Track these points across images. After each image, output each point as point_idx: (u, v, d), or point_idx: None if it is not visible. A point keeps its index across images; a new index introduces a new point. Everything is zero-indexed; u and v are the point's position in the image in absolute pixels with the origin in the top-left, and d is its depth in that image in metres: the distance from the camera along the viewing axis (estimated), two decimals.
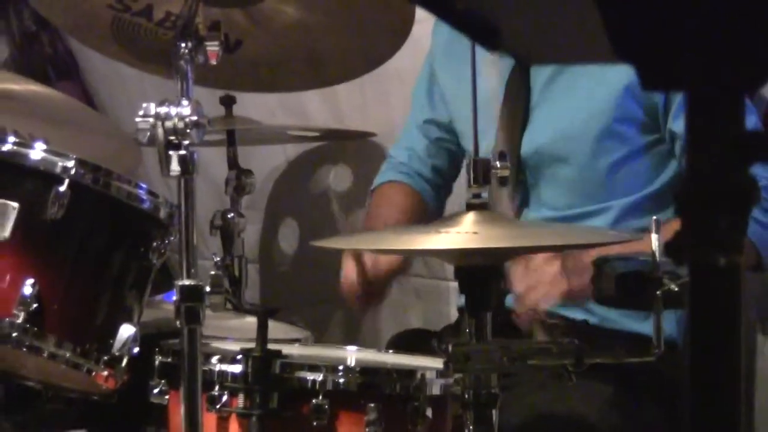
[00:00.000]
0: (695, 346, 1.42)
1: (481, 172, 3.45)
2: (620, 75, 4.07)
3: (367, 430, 3.59)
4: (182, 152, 3.55)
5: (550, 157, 4.22)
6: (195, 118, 3.54)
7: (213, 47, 3.71)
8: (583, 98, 4.17)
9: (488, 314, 3.36)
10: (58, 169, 3.75)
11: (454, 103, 4.76)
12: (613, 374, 3.71)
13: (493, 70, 4.18)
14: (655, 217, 3.60)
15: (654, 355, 3.30)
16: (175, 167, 3.57)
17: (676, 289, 3.43)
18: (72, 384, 3.90)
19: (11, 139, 3.80)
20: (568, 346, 3.50)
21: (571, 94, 4.19)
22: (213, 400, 3.65)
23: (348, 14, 3.82)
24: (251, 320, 3.73)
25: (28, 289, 3.70)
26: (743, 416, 1.49)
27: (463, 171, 4.22)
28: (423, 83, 4.94)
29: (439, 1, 1.78)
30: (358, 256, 4.58)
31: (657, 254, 3.46)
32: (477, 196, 3.39)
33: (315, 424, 3.61)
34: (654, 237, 3.39)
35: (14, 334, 3.70)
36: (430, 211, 4.67)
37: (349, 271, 4.37)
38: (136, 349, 3.83)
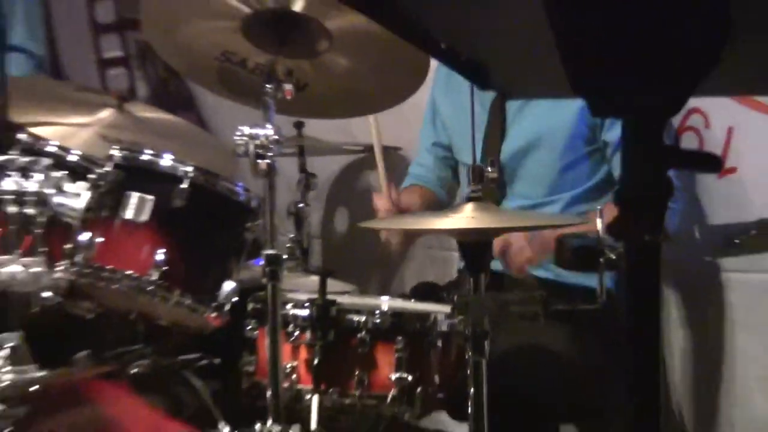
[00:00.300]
0: (629, 295, 1.50)
1: (478, 175, 3.55)
2: (571, 104, 4.18)
3: (396, 356, 3.65)
4: (267, 161, 3.63)
5: (521, 161, 4.30)
6: (275, 137, 3.63)
7: (288, 88, 3.80)
8: (545, 119, 4.27)
9: (482, 274, 3.44)
10: (180, 173, 3.84)
11: (451, 126, 4.86)
12: (570, 316, 3.78)
13: (477, 100, 4.31)
14: (599, 207, 3.70)
15: (599, 302, 3.37)
16: (261, 171, 3.65)
17: (614, 257, 3.51)
18: (191, 322, 3.98)
19: (147, 151, 3.87)
20: (538, 297, 3.59)
21: (536, 116, 4.29)
22: (288, 335, 3.74)
23: (383, 63, 3.91)
24: (315, 279, 3.80)
25: (160, 256, 3.75)
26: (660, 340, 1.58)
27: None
28: (428, 113, 4.97)
29: (448, 54, 1.85)
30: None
31: (601, 233, 3.54)
32: (475, 191, 3.47)
33: (359, 351, 3.70)
34: (598, 221, 3.46)
35: (150, 288, 3.77)
36: (441, 204, 4.74)
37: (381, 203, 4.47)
38: (235, 299, 3.91)
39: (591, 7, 1.40)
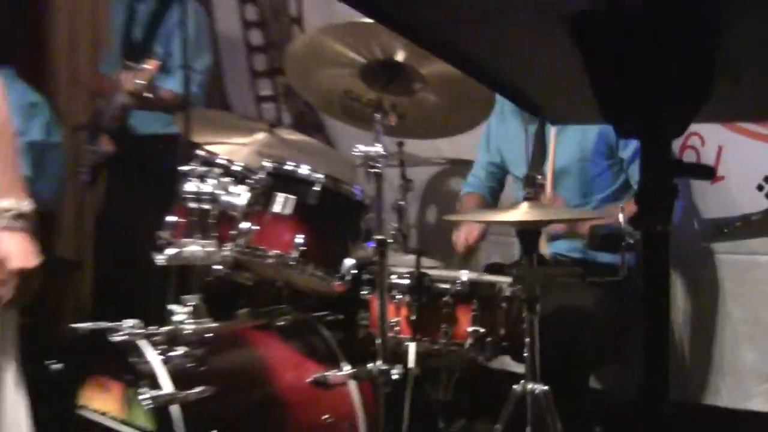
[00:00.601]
0: (646, 270, 1.46)
1: (531, 182, 3.56)
2: (593, 129, 4.16)
3: (472, 314, 3.66)
4: (376, 170, 3.63)
5: (561, 173, 4.26)
6: (383, 152, 3.63)
7: (392, 117, 3.81)
8: (577, 141, 4.22)
9: (534, 255, 3.43)
10: (314, 179, 3.84)
11: (504, 148, 4.68)
12: (599, 286, 3.75)
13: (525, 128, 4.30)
14: (621, 205, 3.70)
15: (620, 275, 3.35)
16: (372, 178, 3.65)
17: (633, 242, 3.49)
18: (321, 288, 3.98)
19: (290, 163, 3.87)
20: (577, 270, 3.62)
21: (570, 139, 4.23)
22: (393, 297, 3.75)
23: (462, 98, 3.88)
24: (412, 257, 3.79)
25: (299, 240, 3.75)
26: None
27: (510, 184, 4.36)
28: (484, 139, 4.78)
29: (507, 89, 1.83)
30: (464, 228, 4.52)
31: (623, 224, 3.51)
32: (529, 193, 3.47)
33: (444, 310, 3.71)
34: (620, 216, 3.44)
35: (291, 263, 3.77)
36: (488, 205, 4.73)
37: (458, 235, 4.43)
38: (353, 271, 3.89)
39: (615, 59, 1.37)
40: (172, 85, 4.94)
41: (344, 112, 4.18)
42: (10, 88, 5.63)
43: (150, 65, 4.75)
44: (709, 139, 3.95)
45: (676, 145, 4.12)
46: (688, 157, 4.17)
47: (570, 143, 4.27)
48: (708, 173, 1.63)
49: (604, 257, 3.99)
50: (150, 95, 4.94)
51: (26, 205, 2.93)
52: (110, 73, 5.48)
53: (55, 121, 5.77)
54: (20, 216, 2.89)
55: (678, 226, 3.95)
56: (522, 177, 3.76)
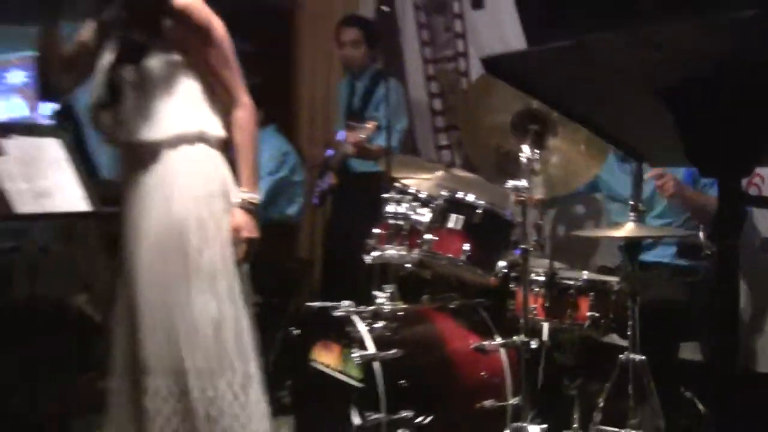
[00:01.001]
0: (721, 274, 1.39)
1: (635, 209, 3.41)
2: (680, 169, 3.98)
3: (589, 302, 3.57)
4: (521, 198, 3.56)
5: (654, 200, 4.09)
6: (527, 185, 3.55)
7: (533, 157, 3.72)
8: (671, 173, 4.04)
9: (635, 262, 3.33)
10: (477, 204, 3.80)
11: (609, 182, 4.38)
12: (684, 283, 3.65)
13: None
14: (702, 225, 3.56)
15: (699, 276, 3.26)
16: (518, 203, 3.59)
17: (709, 252, 3.36)
18: (480, 282, 3.90)
19: (460, 193, 3.83)
20: (664, 273, 3.56)
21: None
22: (532, 289, 3.65)
23: (577, 149, 3.77)
24: (547, 261, 3.70)
25: (465, 247, 3.69)
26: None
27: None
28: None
29: (618, 141, 1.77)
30: None
31: (702, 239, 3.38)
32: (634, 217, 3.36)
33: (569, 300, 3.60)
34: (701, 233, 3.31)
35: (460, 264, 3.78)
36: None
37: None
38: (504, 270, 3.83)
39: (701, 124, 1.31)
40: (380, 141, 4.95)
41: (498, 165, 4.12)
42: (272, 139, 5.76)
43: (370, 125, 4.78)
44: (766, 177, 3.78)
45: (744, 182, 3.96)
46: (753, 191, 3.99)
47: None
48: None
49: (689, 263, 3.85)
50: (366, 147, 4.97)
51: (256, 197, 3.02)
52: (338, 130, 5.52)
53: (299, 163, 5.84)
54: (251, 203, 2.95)
55: (743, 240, 3.81)
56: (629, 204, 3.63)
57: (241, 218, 2.94)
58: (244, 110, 2.95)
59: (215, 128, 2.89)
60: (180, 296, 2.76)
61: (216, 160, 2.90)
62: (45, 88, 3.16)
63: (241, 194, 2.96)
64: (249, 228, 2.95)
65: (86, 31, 2.95)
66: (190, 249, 2.78)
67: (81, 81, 3.00)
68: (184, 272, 2.77)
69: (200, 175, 2.83)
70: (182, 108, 2.83)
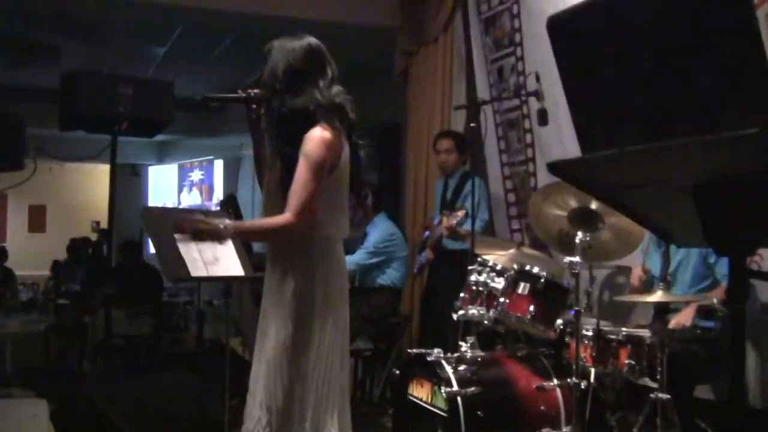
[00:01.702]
0: (732, 330, 1.38)
1: (663, 279, 3.35)
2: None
3: (628, 352, 3.53)
4: (575, 271, 3.53)
5: (678, 273, 3.99)
6: (580, 261, 3.53)
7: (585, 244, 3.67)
8: (686, 254, 3.94)
9: (667, 317, 3.26)
10: (541, 275, 3.78)
11: (649, 260, 4.24)
12: (703, 338, 3.57)
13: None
14: (715, 294, 3.48)
15: (715, 333, 3.16)
16: (573, 275, 3.55)
17: (722, 314, 3.29)
18: (543, 335, 3.85)
19: (528, 266, 3.82)
20: (688, 330, 3.42)
21: (685, 253, 3.98)
22: (583, 341, 3.62)
23: (628, 230, 3.73)
24: (595, 320, 3.64)
25: (531, 308, 3.70)
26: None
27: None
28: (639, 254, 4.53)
29: (652, 226, 1.76)
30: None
31: (715, 303, 3.31)
32: (662, 286, 3.29)
33: (612, 351, 3.57)
34: (714, 299, 3.23)
35: (527, 321, 3.74)
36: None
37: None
38: (561, 326, 3.78)
39: (718, 218, 1.31)
40: (467, 227, 4.97)
41: (558, 242, 4.10)
42: (383, 223, 5.81)
43: (460, 213, 4.79)
44: (765, 256, 3.66)
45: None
46: (754, 266, 3.87)
47: (686, 253, 3.97)
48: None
49: (705, 324, 3.75)
50: (456, 230, 4.98)
51: (229, 231, 2.73)
52: (434, 218, 5.56)
53: (404, 242, 5.89)
54: (223, 231, 2.71)
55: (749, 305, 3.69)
56: (659, 276, 3.54)
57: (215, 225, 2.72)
58: (288, 220, 2.65)
59: (333, 231, 2.80)
60: (291, 352, 2.74)
61: (331, 250, 2.78)
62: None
63: (227, 222, 2.73)
64: (210, 230, 2.71)
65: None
66: (304, 316, 2.71)
67: None
68: (295, 334, 2.75)
69: (316, 262, 2.75)
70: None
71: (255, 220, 2.89)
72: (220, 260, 3.43)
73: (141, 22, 7.32)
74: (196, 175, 13.53)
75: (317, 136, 2.67)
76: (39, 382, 5.75)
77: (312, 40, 2.81)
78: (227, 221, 2.73)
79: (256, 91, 2.81)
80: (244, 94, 2.82)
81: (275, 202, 2.76)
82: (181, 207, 12.54)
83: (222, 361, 3.85)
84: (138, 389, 4.12)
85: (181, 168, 13.74)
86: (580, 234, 3.70)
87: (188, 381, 4.16)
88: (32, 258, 13.07)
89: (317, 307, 2.72)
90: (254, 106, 2.84)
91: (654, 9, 1.29)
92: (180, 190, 13.69)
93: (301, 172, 2.64)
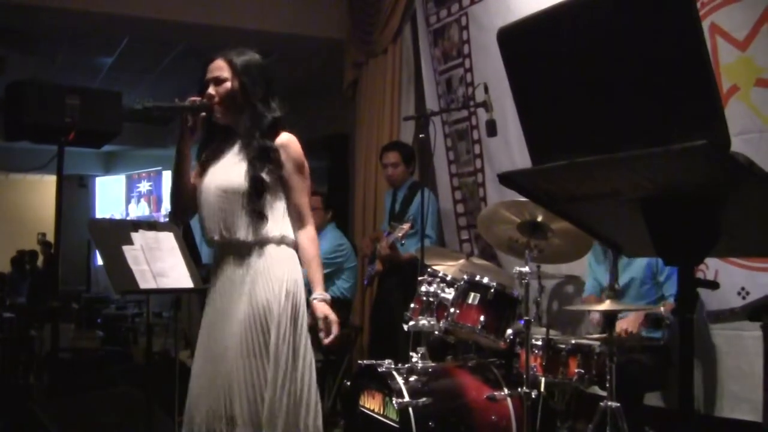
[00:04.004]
0: (682, 338, 1.39)
1: (611, 290, 3.36)
2: (643, 260, 3.91)
3: (577, 361, 3.54)
4: (525, 281, 3.55)
5: (626, 286, 4.00)
6: (528, 270, 3.54)
7: (535, 252, 3.70)
8: (634, 267, 3.98)
9: (612, 329, 3.28)
10: (490, 285, 3.79)
11: (595, 270, 4.12)
12: (650, 347, 3.61)
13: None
14: (662, 306, 3.52)
15: (663, 341, 3.20)
16: (521, 283, 3.55)
17: (669, 323, 3.34)
18: (493, 345, 3.85)
19: (477, 277, 3.83)
20: (636, 338, 3.48)
21: (631, 264, 4.00)
22: (533, 351, 3.65)
23: (576, 238, 3.77)
24: (544, 329, 3.66)
25: (482, 318, 3.70)
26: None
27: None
28: (588, 264, 4.51)
29: (601, 236, 1.77)
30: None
31: (664, 313, 3.35)
32: (609, 295, 3.30)
33: (562, 360, 3.58)
34: (662, 308, 3.28)
35: (478, 331, 3.74)
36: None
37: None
38: (511, 336, 3.78)
39: (666, 227, 1.34)
40: (411, 249, 5.01)
41: (509, 248, 4.11)
42: (332, 233, 5.79)
43: (406, 226, 4.78)
44: (710, 265, 3.72)
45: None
46: (700, 275, 3.93)
47: (631, 267, 4.00)
48: (714, 285, 1.54)
49: (652, 334, 3.78)
50: (397, 254, 5.03)
51: (328, 297, 2.92)
52: (383, 229, 5.56)
53: (353, 253, 5.86)
54: (326, 300, 2.88)
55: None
56: (606, 286, 3.57)
57: (328, 309, 2.86)
58: (312, 229, 2.89)
59: (291, 234, 2.86)
60: (260, 365, 2.70)
61: (293, 259, 2.81)
62: (175, 212, 3.17)
63: (320, 294, 2.87)
64: (334, 317, 2.87)
65: (193, 176, 2.93)
66: (271, 327, 2.73)
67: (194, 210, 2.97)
68: (266, 345, 2.72)
69: (280, 269, 2.79)
70: (276, 213, 2.79)
71: (314, 267, 2.89)
72: (169, 272, 3.37)
73: (88, 32, 7.22)
74: (144, 186, 13.35)
75: (294, 140, 2.82)
76: None
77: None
78: (326, 295, 2.89)
79: (199, 99, 2.78)
80: (187, 103, 2.77)
81: (235, 207, 2.74)
82: (128, 218, 12.37)
83: (171, 373, 3.78)
84: (85, 404, 4.03)
85: (128, 179, 13.54)
86: (530, 242, 3.75)
87: (137, 395, 4.08)
88: None
89: (303, 308, 2.79)
90: (202, 114, 2.79)
91: (601, 22, 1.29)
92: (128, 202, 13.49)
93: (300, 180, 2.82)
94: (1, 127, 4.12)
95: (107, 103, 4.21)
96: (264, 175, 2.75)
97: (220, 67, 2.79)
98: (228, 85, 2.78)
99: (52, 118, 3.92)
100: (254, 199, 2.73)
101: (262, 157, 2.76)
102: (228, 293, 2.76)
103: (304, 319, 2.79)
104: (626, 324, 3.70)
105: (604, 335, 3.37)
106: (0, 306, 9.99)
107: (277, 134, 2.80)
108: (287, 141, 2.81)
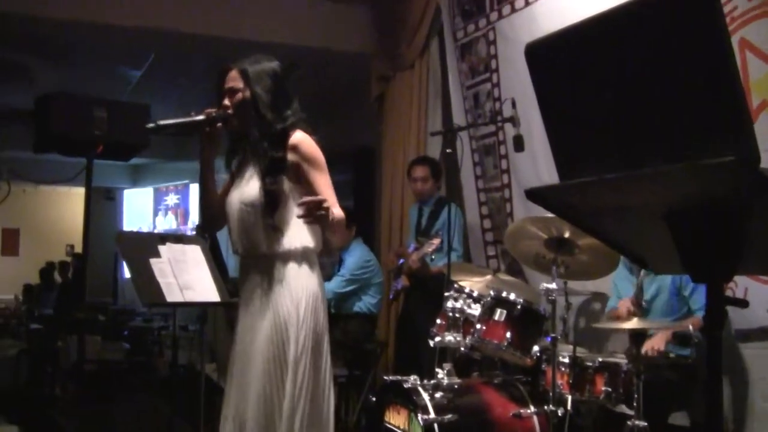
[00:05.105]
0: (710, 355, 1.38)
1: (637, 306, 3.34)
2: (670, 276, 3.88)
3: (604, 379, 3.54)
4: (552, 298, 3.52)
5: (651, 301, 3.98)
6: (555, 287, 3.52)
7: (561, 268, 3.68)
8: (659, 282, 3.93)
9: (639, 346, 3.26)
10: (517, 301, 3.79)
11: (619, 285, 4.13)
12: (678, 364, 3.58)
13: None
14: (690, 322, 3.48)
15: (691, 359, 3.15)
16: (549, 300, 3.54)
17: (697, 341, 3.32)
18: (519, 362, 3.83)
19: (504, 293, 3.82)
20: (664, 356, 3.43)
21: (657, 280, 3.98)
22: (559, 369, 3.63)
23: (602, 254, 3.74)
24: (571, 346, 3.64)
25: (508, 335, 3.70)
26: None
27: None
28: (613, 280, 4.26)
29: (627, 252, 1.76)
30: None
31: (691, 331, 3.32)
32: (635, 312, 3.29)
33: (588, 378, 3.56)
34: (690, 326, 3.24)
35: (503, 347, 3.72)
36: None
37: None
38: (538, 353, 3.76)
39: (694, 242, 1.34)
40: (439, 263, 5.01)
41: (534, 263, 4.10)
42: (358, 249, 5.81)
43: (434, 242, 4.78)
44: (739, 283, 3.67)
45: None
46: (728, 292, 3.89)
47: (655, 283, 3.97)
48: (743, 304, 1.53)
49: (680, 351, 3.75)
50: (427, 267, 5.04)
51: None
52: (408, 244, 5.56)
53: (380, 268, 5.87)
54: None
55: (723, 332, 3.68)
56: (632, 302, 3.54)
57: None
58: (342, 216, 2.73)
59: (314, 244, 2.86)
60: (279, 376, 2.71)
61: (314, 271, 2.79)
62: (204, 224, 3.20)
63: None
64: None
65: (224, 188, 2.95)
66: (291, 339, 2.73)
67: (223, 224, 2.97)
68: (285, 357, 2.73)
69: (301, 283, 2.79)
70: (294, 227, 2.75)
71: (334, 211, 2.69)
72: (196, 285, 3.40)
73: (116, 45, 7.32)
74: (172, 199, 13.47)
75: (307, 137, 2.79)
76: (10, 408, 5.68)
77: (277, 61, 2.88)
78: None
79: (215, 110, 2.80)
80: (202, 117, 2.79)
81: (254, 220, 2.74)
82: (155, 231, 12.47)
83: (196, 387, 3.80)
84: (110, 416, 4.07)
85: (156, 192, 13.67)
86: (557, 258, 3.75)
87: (161, 408, 4.11)
88: (4, 281, 12.93)
89: (324, 321, 2.78)
90: (218, 125, 2.81)
91: (629, 36, 1.29)
92: (155, 214, 13.61)
93: (319, 175, 2.76)
94: (30, 139, 4.18)
95: (135, 115, 4.24)
96: (278, 187, 2.73)
97: (234, 78, 2.81)
98: (240, 95, 2.78)
99: (80, 131, 3.96)
100: (268, 213, 2.72)
101: (274, 170, 2.74)
102: (253, 304, 2.78)
103: (324, 333, 2.79)
104: (654, 343, 3.67)
105: (631, 353, 3.35)
106: (28, 317, 10.12)
107: (285, 141, 2.76)
108: (298, 140, 2.77)
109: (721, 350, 1.40)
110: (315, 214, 2.54)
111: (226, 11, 6.49)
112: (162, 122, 2.77)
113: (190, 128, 2.85)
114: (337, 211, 2.68)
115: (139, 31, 6.39)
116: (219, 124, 2.82)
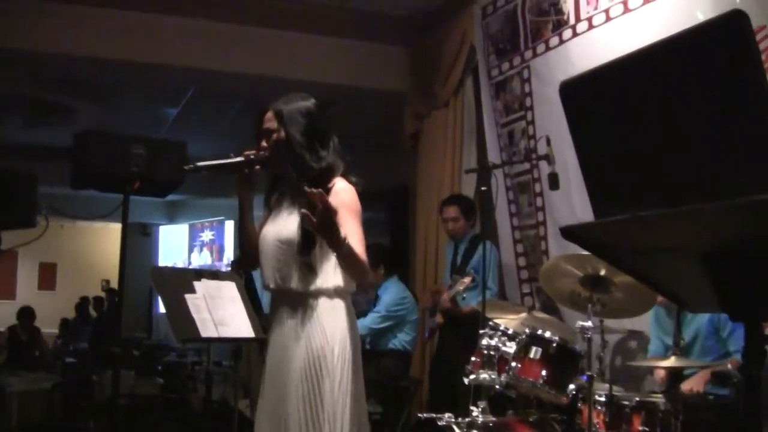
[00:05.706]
0: (747, 394, 1.36)
1: (677, 344, 3.30)
2: (705, 316, 3.85)
3: (641, 418, 3.47)
4: (588, 336, 3.50)
5: (690, 341, 3.93)
6: (591, 324, 3.51)
7: (597, 305, 3.65)
8: (697, 322, 3.90)
9: (678, 384, 3.21)
10: (553, 339, 3.78)
11: (660, 327, 4.12)
12: (718, 404, 3.53)
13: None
14: (729, 362, 3.42)
15: (730, 398, 3.10)
16: (584, 337, 3.51)
17: (736, 380, 3.27)
18: (554, 400, 3.79)
19: (539, 331, 3.81)
20: (700, 396, 3.36)
21: (695, 319, 3.95)
22: (595, 407, 3.58)
23: (639, 292, 3.71)
24: (607, 385, 3.60)
25: (543, 373, 3.69)
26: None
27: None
28: (652, 319, 4.23)
29: (665, 291, 1.75)
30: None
31: (731, 369, 3.27)
32: (675, 351, 3.25)
33: (625, 417, 3.51)
34: (729, 366, 3.18)
35: (539, 385, 3.70)
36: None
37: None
38: (573, 392, 3.73)
39: (729, 284, 1.32)
40: (472, 302, 5.01)
41: (571, 302, 4.07)
42: (394, 287, 5.81)
43: (467, 280, 4.78)
44: None
45: None
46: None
47: (694, 323, 3.93)
48: None
49: (720, 391, 3.69)
50: (458, 307, 5.03)
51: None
52: (444, 282, 5.56)
53: (415, 305, 5.87)
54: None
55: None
56: (672, 341, 3.50)
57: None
58: (359, 251, 2.70)
59: (346, 284, 2.80)
60: (315, 414, 2.71)
61: (347, 309, 2.80)
62: (242, 262, 3.23)
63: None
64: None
65: (259, 225, 2.97)
66: (326, 375, 2.74)
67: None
68: (321, 393, 2.73)
69: (334, 320, 2.79)
70: (328, 268, 2.77)
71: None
72: (230, 321, 3.41)
73: (154, 83, 7.46)
74: (207, 235, 13.59)
75: (349, 187, 2.79)
76: None
77: (314, 99, 2.88)
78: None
79: (253, 152, 2.83)
80: (240, 158, 2.82)
81: (289, 258, 2.76)
82: (191, 267, 12.56)
83: (229, 422, 3.81)
84: None
85: (191, 228, 13.81)
86: (592, 296, 3.73)
87: None
88: (41, 315, 13.08)
89: (355, 361, 2.76)
90: (257, 167, 2.83)
91: (664, 73, 1.29)
92: (190, 250, 13.74)
93: (352, 224, 2.70)
94: (68, 175, 4.26)
95: (172, 152, 4.32)
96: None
97: (269, 118, 2.83)
98: (276, 136, 2.80)
99: (118, 167, 4.03)
100: (303, 252, 2.73)
101: (298, 207, 2.72)
102: (285, 338, 2.79)
103: (359, 371, 2.79)
104: (692, 383, 3.62)
105: (670, 393, 3.31)
106: (63, 351, 10.22)
107: (330, 182, 2.76)
108: (338, 188, 2.76)
109: (759, 390, 1.37)
110: (318, 211, 2.48)
111: (263, 50, 6.62)
112: (201, 164, 2.82)
113: (228, 170, 2.86)
114: (357, 248, 2.66)
115: (176, 69, 6.54)
116: (257, 167, 2.84)
